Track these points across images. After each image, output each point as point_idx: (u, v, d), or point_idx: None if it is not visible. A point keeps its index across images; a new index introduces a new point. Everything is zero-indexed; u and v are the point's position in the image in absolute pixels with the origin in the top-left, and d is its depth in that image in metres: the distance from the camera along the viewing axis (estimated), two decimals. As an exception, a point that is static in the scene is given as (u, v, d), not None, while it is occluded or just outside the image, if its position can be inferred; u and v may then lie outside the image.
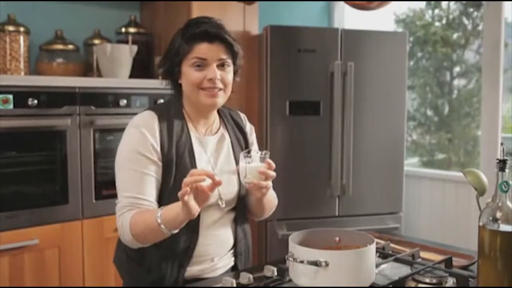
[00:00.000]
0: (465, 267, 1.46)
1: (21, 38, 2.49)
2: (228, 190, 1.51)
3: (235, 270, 1.56)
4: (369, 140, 3.05)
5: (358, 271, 1.19)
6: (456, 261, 1.49)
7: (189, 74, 1.45)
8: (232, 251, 1.57)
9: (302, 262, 1.18)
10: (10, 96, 2.21)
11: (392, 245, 1.64)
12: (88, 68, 2.76)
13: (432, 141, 3.89)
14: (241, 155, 1.37)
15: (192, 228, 1.43)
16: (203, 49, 1.43)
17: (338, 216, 3.02)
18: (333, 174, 2.97)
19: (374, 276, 1.25)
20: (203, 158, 1.50)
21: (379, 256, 1.50)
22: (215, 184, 1.26)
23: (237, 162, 1.53)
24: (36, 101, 2.27)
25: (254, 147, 1.66)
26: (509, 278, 1.16)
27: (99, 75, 2.70)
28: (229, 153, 1.56)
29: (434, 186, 3.41)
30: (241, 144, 1.60)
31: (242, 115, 1.69)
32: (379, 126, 3.06)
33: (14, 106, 2.22)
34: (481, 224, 1.19)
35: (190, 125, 1.51)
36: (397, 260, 1.46)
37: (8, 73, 2.44)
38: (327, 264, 1.15)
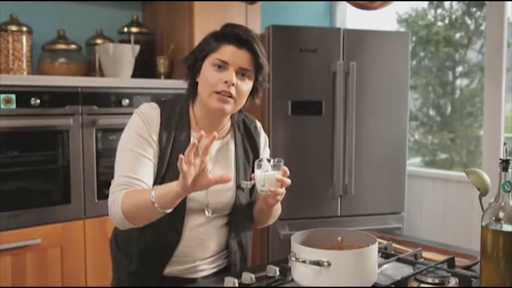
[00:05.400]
0: (467, 267, 1.46)
1: (24, 38, 2.49)
2: (218, 199, 1.47)
3: (221, 273, 1.52)
4: (371, 140, 3.04)
5: (360, 271, 1.19)
6: (459, 261, 1.48)
7: (207, 73, 1.41)
8: (220, 256, 1.54)
9: (304, 262, 1.18)
10: (13, 96, 2.22)
11: (394, 245, 1.63)
12: (91, 68, 2.76)
13: (435, 141, 3.88)
14: (256, 163, 1.37)
15: (175, 228, 1.43)
16: (228, 51, 1.40)
17: (340, 216, 3.02)
18: (335, 173, 2.97)
19: (376, 276, 1.24)
20: None
21: (381, 256, 1.50)
22: (223, 180, 1.24)
23: (237, 172, 1.51)
24: (38, 101, 2.27)
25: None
26: (512, 278, 1.16)
27: (101, 74, 2.71)
28: (230, 161, 1.52)
29: (437, 186, 3.40)
30: (248, 155, 1.55)
31: (258, 124, 1.64)
32: (381, 126, 3.06)
33: (17, 105, 2.23)
34: (483, 224, 1.19)
35: (193, 125, 1.48)
36: (399, 260, 1.46)
37: (11, 73, 2.44)
38: (329, 264, 1.15)
